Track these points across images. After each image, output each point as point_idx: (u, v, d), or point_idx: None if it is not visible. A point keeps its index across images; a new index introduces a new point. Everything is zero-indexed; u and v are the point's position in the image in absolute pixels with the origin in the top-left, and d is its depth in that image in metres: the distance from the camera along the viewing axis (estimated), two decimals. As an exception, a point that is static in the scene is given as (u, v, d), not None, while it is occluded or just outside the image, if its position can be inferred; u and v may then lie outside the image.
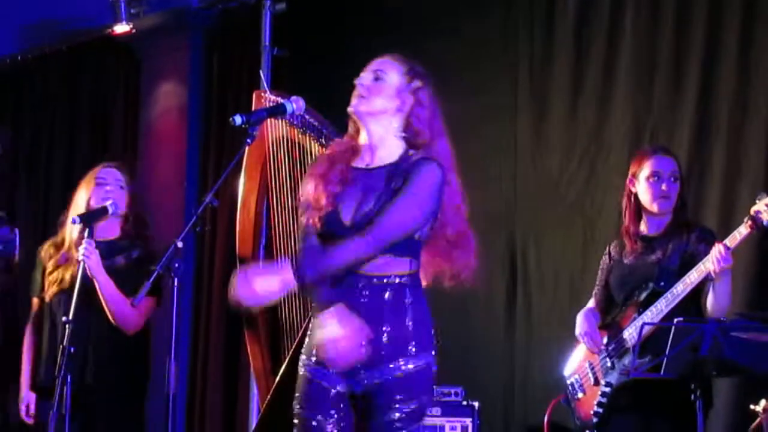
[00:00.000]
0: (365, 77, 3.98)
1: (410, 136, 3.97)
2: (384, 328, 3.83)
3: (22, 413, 5.56)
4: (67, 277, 5.40)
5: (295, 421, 3.94)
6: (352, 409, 3.89)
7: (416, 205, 3.86)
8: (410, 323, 3.85)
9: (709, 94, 5.95)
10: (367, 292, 3.86)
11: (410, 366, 3.82)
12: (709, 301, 4.91)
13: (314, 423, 3.86)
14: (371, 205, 3.84)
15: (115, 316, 5.28)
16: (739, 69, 5.86)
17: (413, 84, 3.99)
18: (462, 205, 4.04)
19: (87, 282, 5.22)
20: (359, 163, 4.00)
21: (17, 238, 5.52)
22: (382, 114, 3.96)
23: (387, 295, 3.86)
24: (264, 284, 3.90)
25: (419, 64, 4.06)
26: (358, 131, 4.03)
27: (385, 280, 3.87)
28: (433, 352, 3.90)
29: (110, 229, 5.50)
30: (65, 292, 5.36)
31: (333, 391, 3.87)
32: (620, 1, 6.30)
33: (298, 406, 3.93)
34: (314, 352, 3.91)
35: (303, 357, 3.98)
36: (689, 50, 6.02)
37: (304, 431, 3.90)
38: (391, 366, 3.81)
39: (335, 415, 3.87)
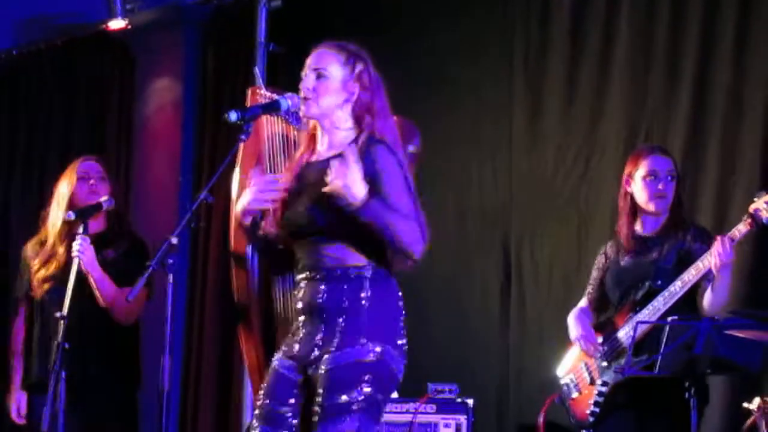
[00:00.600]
0: (308, 78, 4.03)
1: (359, 119, 4.04)
2: (340, 317, 3.89)
3: (13, 414, 5.55)
4: (56, 272, 5.40)
5: (256, 411, 4.04)
6: (302, 394, 3.98)
7: (402, 184, 3.93)
8: (365, 314, 3.90)
9: (704, 90, 5.94)
10: (326, 285, 3.93)
11: (362, 354, 3.86)
12: (707, 298, 4.92)
13: (273, 415, 3.98)
14: (318, 198, 3.89)
15: (111, 309, 5.34)
16: (734, 65, 5.86)
17: (355, 71, 4.03)
18: (411, 181, 4.03)
19: (81, 277, 5.25)
20: (315, 157, 4.10)
21: None
22: (332, 110, 4.02)
23: (345, 285, 3.92)
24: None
25: (353, 43, 4.11)
26: (315, 126, 4.11)
27: (342, 272, 3.93)
28: (394, 349, 3.93)
29: (96, 223, 5.53)
30: (57, 288, 5.37)
31: (292, 381, 3.99)
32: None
33: (261, 397, 4.04)
34: (285, 344, 4.05)
35: (277, 353, 4.09)
36: (684, 47, 6.02)
37: (263, 420, 3.99)
38: (343, 353, 3.86)
39: (294, 405, 3.98)
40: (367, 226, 3.84)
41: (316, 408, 3.85)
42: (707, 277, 4.89)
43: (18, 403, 5.56)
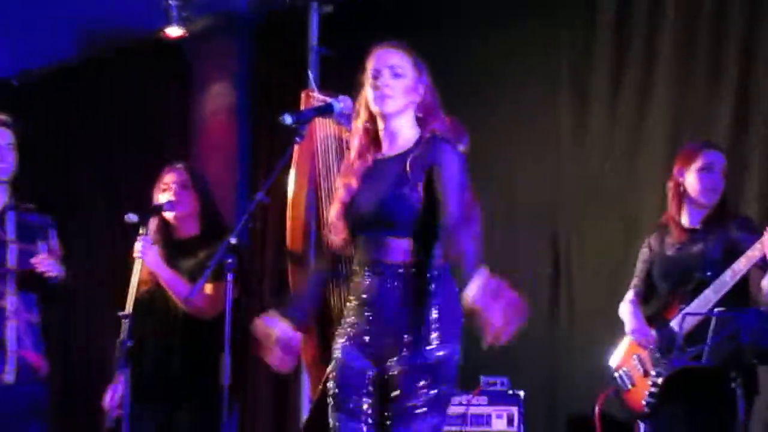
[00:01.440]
0: (385, 76, 4.00)
1: (421, 122, 4.03)
2: (409, 317, 3.88)
3: (106, 402, 5.46)
4: (147, 275, 5.44)
5: (330, 401, 4.01)
6: (377, 388, 3.95)
7: (460, 189, 3.89)
8: (434, 315, 3.88)
9: (746, 88, 5.91)
10: (391, 281, 3.91)
11: (434, 355, 3.85)
12: (766, 281, 4.87)
13: (351, 405, 3.96)
14: (387, 193, 3.91)
15: (186, 304, 5.29)
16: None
17: (421, 73, 4.03)
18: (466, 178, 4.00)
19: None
20: (380, 154, 4.07)
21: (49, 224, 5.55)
22: (403, 109, 4.02)
23: (413, 283, 3.90)
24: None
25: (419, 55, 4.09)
26: (373, 121, 4.08)
27: (406, 271, 3.91)
28: (457, 344, 3.92)
29: (190, 227, 5.57)
30: (146, 290, 5.44)
31: (366, 373, 3.96)
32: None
33: (333, 389, 4.01)
34: (350, 334, 4.01)
35: (338, 340, 4.06)
36: (727, 46, 6.00)
37: (340, 411, 3.98)
38: (415, 354, 3.85)
39: (369, 396, 3.95)
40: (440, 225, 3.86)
41: (393, 407, 3.87)
42: (757, 265, 4.88)
43: (112, 391, 5.42)
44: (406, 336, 3.87)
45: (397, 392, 3.85)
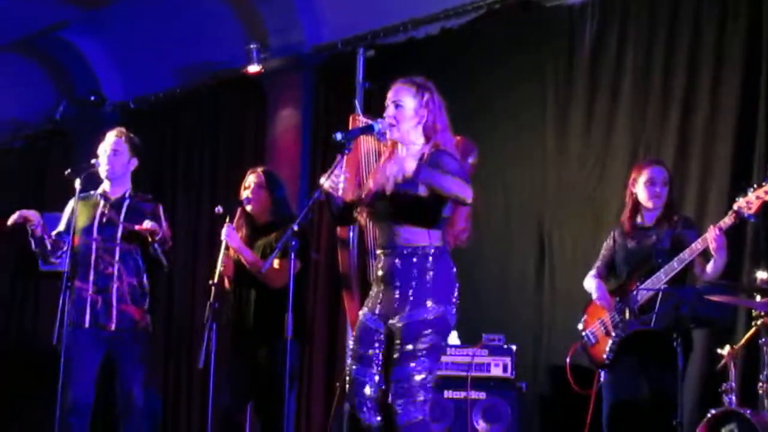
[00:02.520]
0: (389, 109, 4.08)
1: (427, 136, 4.07)
2: (411, 285, 3.94)
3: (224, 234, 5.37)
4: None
5: (351, 354, 4.11)
6: (385, 343, 4.01)
7: (456, 164, 3.95)
8: (430, 283, 3.93)
9: (688, 119, 5.93)
10: (398, 259, 3.98)
11: (430, 312, 3.91)
12: (709, 268, 4.91)
13: (364, 353, 4.03)
14: (395, 191, 3.98)
15: (258, 276, 5.28)
16: (710, 100, 5.85)
17: (424, 99, 4.05)
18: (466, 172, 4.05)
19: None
20: None
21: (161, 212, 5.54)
22: (409, 131, 4.07)
23: (414, 260, 3.95)
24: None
25: (423, 77, 4.15)
26: (396, 141, 4.16)
27: (411, 251, 3.96)
28: (451, 306, 3.98)
29: (264, 216, 5.53)
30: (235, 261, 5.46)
31: (378, 330, 4.02)
32: (623, 48, 6.28)
33: (352, 343, 4.11)
34: (369, 304, 4.09)
35: (363, 309, 4.13)
36: (673, 84, 6.01)
37: (357, 361, 4.05)
38: (415, 312, 3.91)
39: (378, 348, 4.01)
40: (427, 201, 3.93)
41: (394, 353, 3.91)
42: (699, 255, 4.90)
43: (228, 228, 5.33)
44: (408, 301, 3.93)
45: (399, 340, 3.90)
